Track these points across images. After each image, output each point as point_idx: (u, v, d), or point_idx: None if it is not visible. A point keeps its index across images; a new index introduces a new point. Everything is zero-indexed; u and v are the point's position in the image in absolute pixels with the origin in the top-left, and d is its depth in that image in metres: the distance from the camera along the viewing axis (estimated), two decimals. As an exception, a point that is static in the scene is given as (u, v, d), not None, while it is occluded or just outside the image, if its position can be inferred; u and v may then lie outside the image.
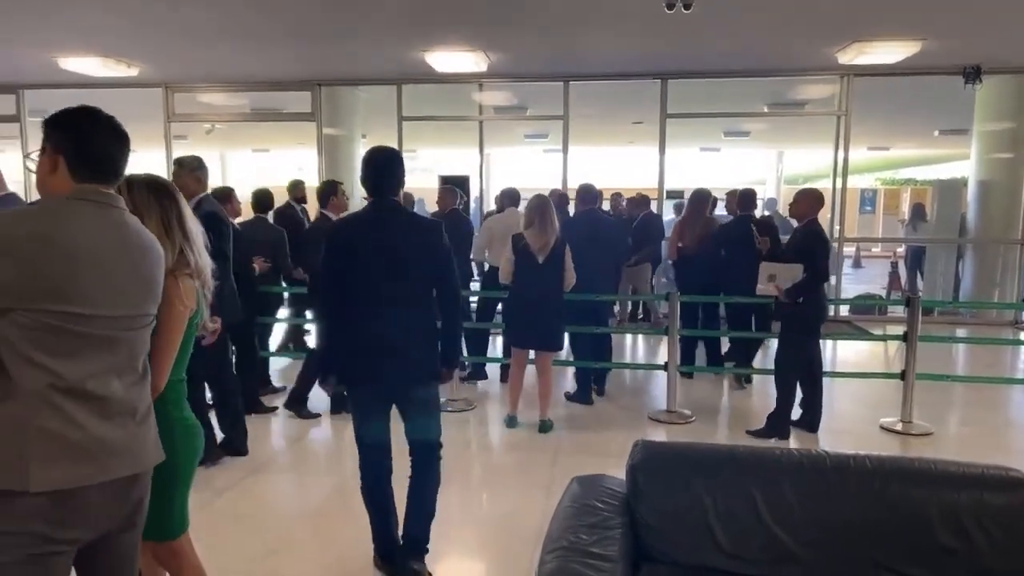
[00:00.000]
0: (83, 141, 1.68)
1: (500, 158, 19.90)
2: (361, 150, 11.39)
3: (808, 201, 4.85)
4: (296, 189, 7.44)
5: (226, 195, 5.18)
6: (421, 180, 16.80)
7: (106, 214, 1.68)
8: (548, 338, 4.98)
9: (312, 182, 10.07)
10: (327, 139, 9.97)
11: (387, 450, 3.01)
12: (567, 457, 4.54)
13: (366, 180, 2.90)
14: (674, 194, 10.59)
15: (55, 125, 1.70)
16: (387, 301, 2.82)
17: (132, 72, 8.61)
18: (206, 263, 2.22)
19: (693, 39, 7.25)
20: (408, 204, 6.57)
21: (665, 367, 5.30)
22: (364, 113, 10.59)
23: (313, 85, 9.52)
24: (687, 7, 5.78)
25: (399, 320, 2.83)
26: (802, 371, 4.89)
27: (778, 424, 4.87)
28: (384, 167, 2.92)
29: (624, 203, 9.27)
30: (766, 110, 10.82)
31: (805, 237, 4.78)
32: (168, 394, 2.08)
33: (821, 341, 5.23)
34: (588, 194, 6.04)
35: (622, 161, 21.18)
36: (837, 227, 9.43)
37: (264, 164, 20.78)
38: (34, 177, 1.76)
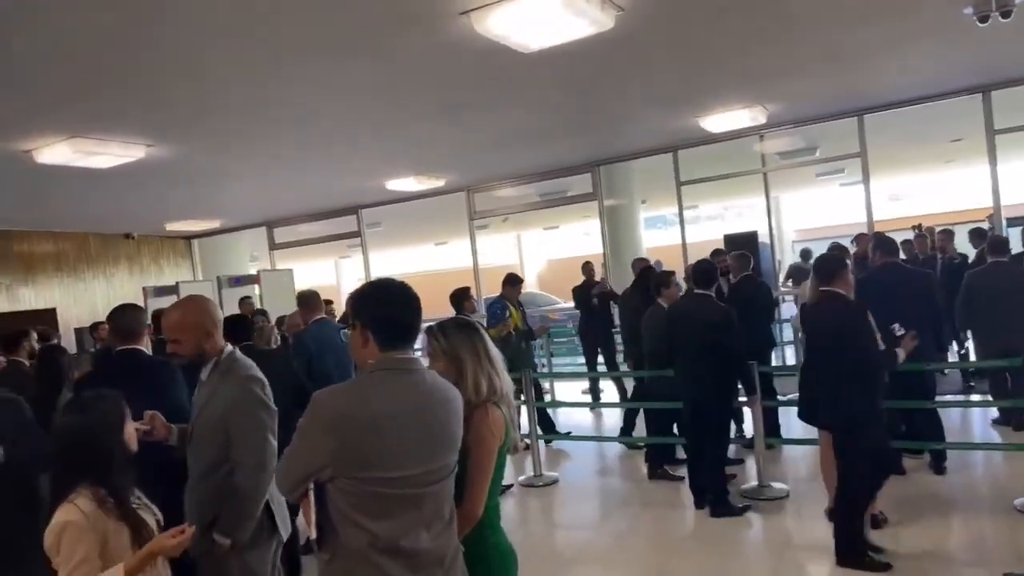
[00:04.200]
0: (385, 317, 1.93)
1: (790, 201, 18.61)
2: (642, 215, 11.56)
3: None
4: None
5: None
6: (705, 231, 15.96)
7: (407, 380, 1.91)
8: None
9: (595, 250, 10.45)
10: (609, 210, 10.30)
11: None
12: (911, 563, 3.88)
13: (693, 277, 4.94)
14: (1017, 219, 8.81)
15: (361, 304, 1.97)
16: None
17: (440, 183, 9.88)
18: (510, 386, 2.37)
19: (1015, 44, 6.12)
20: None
21: (1033, 447, 4.33)
22: (641, 180, 10.77)
23: (593, 166, 9.94)
24: (1006, 15, 4.92)
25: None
26: None
27: None
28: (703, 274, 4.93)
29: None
30: None
31: None
32: (483, 520, 2.20)
33: None
34: (886, 245, 5.34)
35: (941, 183, 18.44)
36: None
37: (553, 239, 22.17)
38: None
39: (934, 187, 18.90)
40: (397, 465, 1.80)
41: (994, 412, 6.25)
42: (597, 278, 8.69)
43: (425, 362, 2.24)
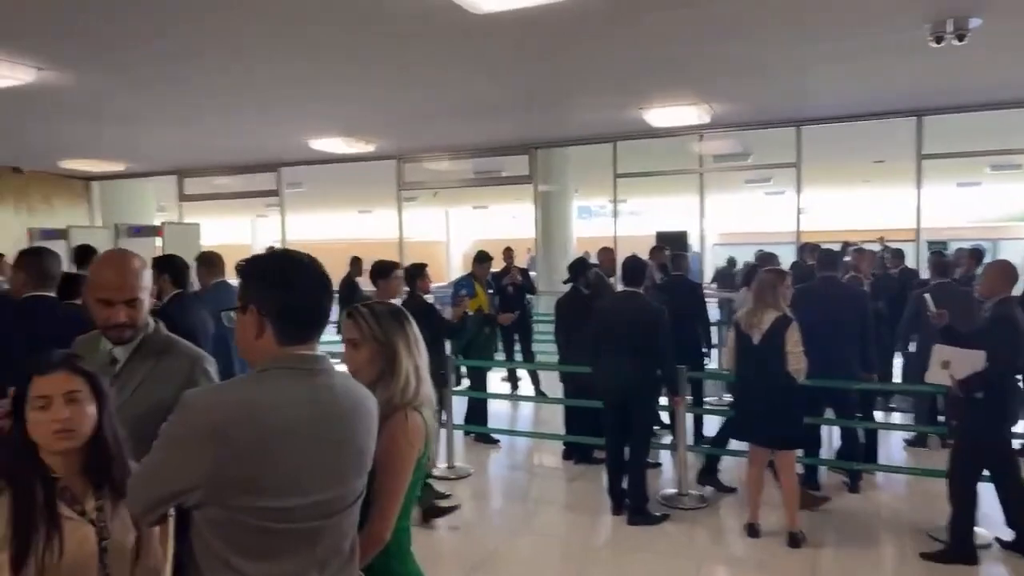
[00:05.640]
0: (293, 302, 1.49)
1: (714, 203, 18.84)
2: (575, 204, 11.39)
3: (995, 276, 4.01)
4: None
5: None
6: (631, 227, 15.83)
7: (311, 382, 1.49)
8: (773, 432, 4.29)
9: (523, 233, 10.18)
10: (542, 195, 10.06)
11: None
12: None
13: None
14: (936, 243, 9.10)
15: (259, 281, 1.50)
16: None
17: (370, 148, 9.33)
18: (431, 390, 2.05)
19: (958, 71, 6.20)
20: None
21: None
22: (577, 168, 10.56)
23: (530, 149, 9.63)
24: (960, 38, 4.91)
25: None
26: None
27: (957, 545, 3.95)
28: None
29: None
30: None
31: (991, 319, 3.95)
32: (391, 546, 1.88)
33: None
34: (828, 260, 5.30)
35: (857, 201, 19.13)
36: None
37: (482, 219, 21.79)
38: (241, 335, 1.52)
39: (842, 205, 19.53)
40: (292, 491, 1.39)
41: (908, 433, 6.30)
42: (517, 264, 8.35)
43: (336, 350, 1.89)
